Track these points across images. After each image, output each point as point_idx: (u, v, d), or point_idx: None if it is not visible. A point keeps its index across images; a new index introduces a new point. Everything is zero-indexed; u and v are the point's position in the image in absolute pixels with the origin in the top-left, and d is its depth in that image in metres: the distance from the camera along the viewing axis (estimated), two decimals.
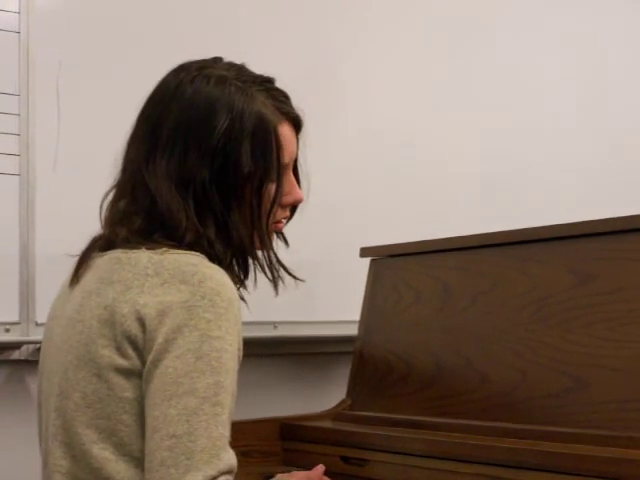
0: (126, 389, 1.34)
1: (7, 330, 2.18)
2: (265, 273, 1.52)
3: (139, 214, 1.45)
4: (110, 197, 1.52)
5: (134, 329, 1.33)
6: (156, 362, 1.31)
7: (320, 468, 1.75)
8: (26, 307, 2.20)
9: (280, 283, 1.54)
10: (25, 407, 2.23)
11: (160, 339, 1.31)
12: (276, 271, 1.52)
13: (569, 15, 3.11)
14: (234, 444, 1.34)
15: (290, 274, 1.54)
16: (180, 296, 1.32)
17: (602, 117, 3.12)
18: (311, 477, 1.71)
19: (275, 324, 2.52)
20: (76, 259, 1.49)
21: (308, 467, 1.76)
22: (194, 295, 1.32)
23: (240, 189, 1.46)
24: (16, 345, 2.20)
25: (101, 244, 1.47)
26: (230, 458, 1.30)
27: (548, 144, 3.01)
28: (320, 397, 2.47)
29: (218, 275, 1.37)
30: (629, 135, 3.14)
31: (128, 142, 1.50)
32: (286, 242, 1.59)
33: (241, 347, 1.39)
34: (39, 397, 1.52)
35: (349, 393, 2.18)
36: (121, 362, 1.34)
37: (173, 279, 1.34)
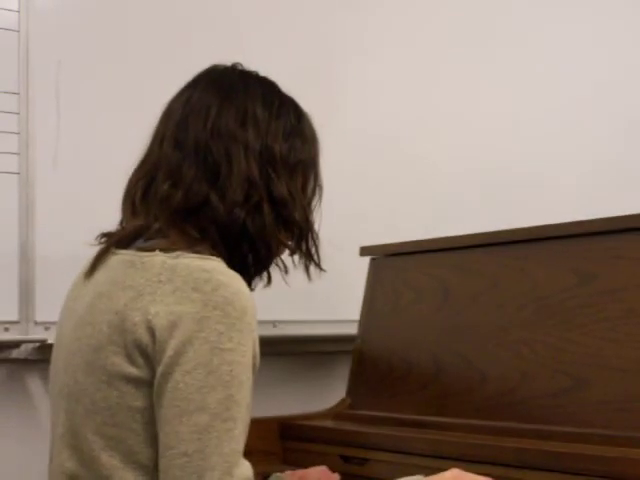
0: (136, 398, 1.33)
1: (6, 329, 2.18)
2: (309, 247, 1.54)
3: (197, 183, 1.44)
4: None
5: (145, 339, 1.32)
6: (166, 375, 1.30)
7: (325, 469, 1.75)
8: (25, 306, 2.20)
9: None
10: (24, 406, 2.23)
11: (170, 351, 1.30)
12: (316, 248, 1.55)
13: (573, 12, 3.10)
14: None
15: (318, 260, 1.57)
16: (192, 306, 1.31)
17: (603, 116, 3.11)
18: (309, 473, 1.71)
19: (275, 323, 2.52)
20: (95, 250, 1.48)
21: (308, 466, 1.76)
22: (206, 305, 1.31)
23: (302, 177, 1.52)
24: (15, 344, 2.20)
25: (124, 236, 1.45)
26: (244, 472, 1.30)
27: (548, 143, 3.01)
28: (320, 396, 2.46)
29: (232, 282, 1.35)
30: (629, 135, 3.14)
31: (202, 118, 1.48)
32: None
33: (257, 355, 1.37)
34: (51, 388, 1.51)
35: (349, 392, 2.18)
36: (131, 370, 1.33)
37: (185, 286, 1.33)
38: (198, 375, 1.29)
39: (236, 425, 1.30)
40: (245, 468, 1.31)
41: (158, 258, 1.38)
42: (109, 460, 1.34)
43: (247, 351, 1.32)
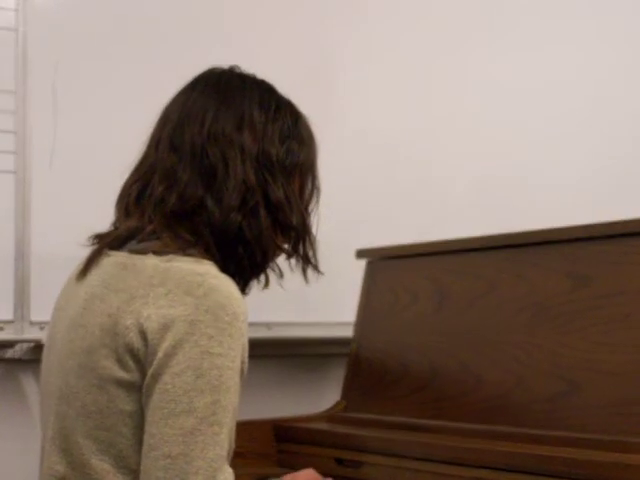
0: (127, 402, 1.33)
1: (1, 328, 2.18)
2: (307, 250, 1.54)
3: (191, 184, 1.43)
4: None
5: (136, 342, 1.31)
6: (156, 376, 1.30)
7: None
8: (20, 305, 2.19)
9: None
10: (18, 406, 2.23)
11: (161, 354, 1.30)
12: (314, 251, 1.55)
13: (573, 13, 3.10)
14: None
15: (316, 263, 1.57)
16: (183, 309, 1.31)
17: (601, 121, 3.11)
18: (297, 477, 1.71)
19: (269, 325, 2.52)
20: (89, 251, 1.48)
21: (302, 469, 1.75)
22: (197, 309, 1.31)
23: (299, 180, 1.52)
24: (10, 344, 2.20)
25: (117, 237, 1.45)
26: (227, 478, 1.29)
27: (546, 147, 3.00)
28: (314, 399, 2.46)
29: (225, 286, 1.35)
30: (626, 139, 3.14)
31: (200, 121, 1.47)
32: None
33: (246, 361, 1.37)
34: (42, 389, 1.50)
35: (344, 395, 2.18)
36: (122, 374, 1.33)
37: (178, 289, 1.32)
38: (187, 378, 1.28)
39: (222, 430, 1.30)
40: (228, 474, 1.31)
41: (150, 261, 1.37)
42: (99, 464, 1.34)
43: (236, 356, 1.32)
